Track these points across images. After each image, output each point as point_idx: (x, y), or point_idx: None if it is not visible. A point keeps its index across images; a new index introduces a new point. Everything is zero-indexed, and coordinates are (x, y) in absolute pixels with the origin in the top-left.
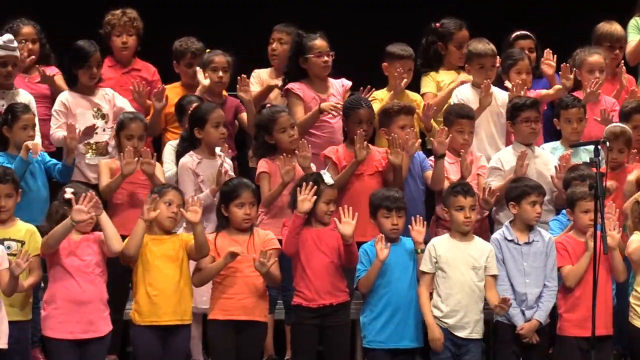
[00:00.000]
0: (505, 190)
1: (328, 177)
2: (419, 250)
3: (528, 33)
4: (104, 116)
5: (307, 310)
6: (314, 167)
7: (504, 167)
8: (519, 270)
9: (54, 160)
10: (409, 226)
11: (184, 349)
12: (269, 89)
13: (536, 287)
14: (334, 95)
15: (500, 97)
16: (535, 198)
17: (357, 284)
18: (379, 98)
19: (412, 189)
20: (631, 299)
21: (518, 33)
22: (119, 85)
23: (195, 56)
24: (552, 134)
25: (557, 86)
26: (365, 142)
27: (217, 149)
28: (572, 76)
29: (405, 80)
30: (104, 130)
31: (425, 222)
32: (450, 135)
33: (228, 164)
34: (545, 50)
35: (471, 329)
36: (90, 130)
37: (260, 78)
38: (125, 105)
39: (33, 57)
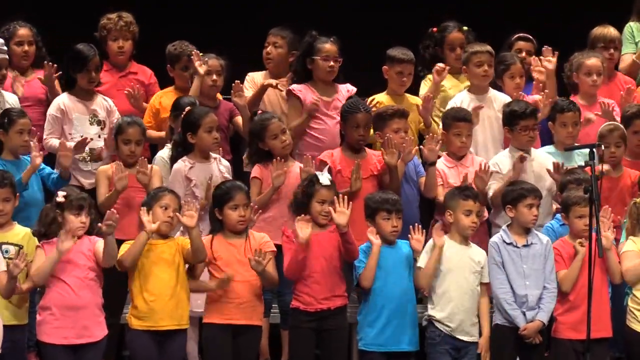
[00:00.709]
0: (502, 193)
1: (324, 178)
2: (419, 259)
3: (529, 36)
4: (99, 122)
5: (305, 314)
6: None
7: (502, 170)
8: (519, 272)
9: (49, 169)
10: (409, 235)
11: (180, 353)
12: (263, 89)
13: (536, 288)
14: (340, 100)
15: (498, 100)
16: (532, 201)
17: (359, 279)
18: (381, 102)
19: (407, 192)
20: (630, 302)
21: (520, 34)
22: (116, 89)
23: (189, 60)
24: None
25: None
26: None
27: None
28: (554, 59)
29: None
30: (99, 136)
31: (422, 229)
32: (441, 142)
33: (224, 166)
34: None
35: (472, 331)
36: (82, 145)
37: (254, 82)
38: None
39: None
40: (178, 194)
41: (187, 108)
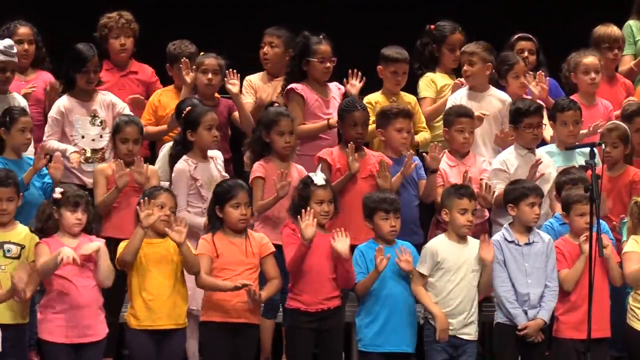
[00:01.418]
0: (503, 192)
1: (318, 178)
2: (412, 277)
3: (530, 35)
4: (100, 122)
5: (306, 315)
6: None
7: (509, 169)
8: (521, 270)
9: (49, 180)
10: (395, 259)
11: (179, 352)
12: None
13: (538, 287)
14: (335, 99)
15: (497, 99)
16: (534, 199)
17: (355, 287)
18: (373, 102)
19: (406, 193)
20: (630, 301)
21: (520, 34)
22: (117, 88)
23: (189, 59)
24: None
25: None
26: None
27: (210, 152)
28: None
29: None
30: (100, 136)
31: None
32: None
33: (220, 165)
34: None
35: (470, 330)
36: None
37: (252, 87)
38: (125, 109)
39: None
40: (174, 194)
41: (188, 108)
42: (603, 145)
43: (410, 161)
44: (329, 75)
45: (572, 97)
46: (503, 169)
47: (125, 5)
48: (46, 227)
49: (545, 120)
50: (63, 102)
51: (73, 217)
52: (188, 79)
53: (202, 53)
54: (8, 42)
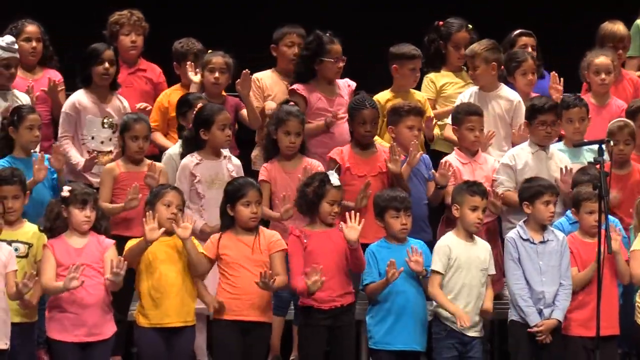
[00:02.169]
0: (518, 190)
1: (334, 178)
2: (421, 278)
3: (529, 31)
4: (112, 125)
5: (319, 312)
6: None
7: (517, 165)
8: (536, 269)
9: (55, 175)
10: (405, 259)
11: (188, 350)
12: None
13: (553, 285)
14: (342, 97)
15: (505, 98)
16: (549, 198)
17: (365, 289)
18: (382, 100)
19: (416, 189)
20: (637, 298)
21: (522, 30)
22: (125, 85)
23: (196, 57)
24: None
25: None
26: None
27: (224, 151)
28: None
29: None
30: (110, 139)
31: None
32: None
33: (234, 165)
34: (552, 74)
35: (478, 327)
36: (89, 166)
37: (261, 88)
38: None
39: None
40: (181, 191)
41: (199, 105)
42: (612, 143)
43: (415, 151)
44: (339, 75)
45: (584, 95)
46: (510, 164)
47: (125, 5)
48: (55, 226)
49: None
50: (79, 97)
51: (82, 215)
52: (195, 78)
53: (209, 51)
54: (9, 38)
